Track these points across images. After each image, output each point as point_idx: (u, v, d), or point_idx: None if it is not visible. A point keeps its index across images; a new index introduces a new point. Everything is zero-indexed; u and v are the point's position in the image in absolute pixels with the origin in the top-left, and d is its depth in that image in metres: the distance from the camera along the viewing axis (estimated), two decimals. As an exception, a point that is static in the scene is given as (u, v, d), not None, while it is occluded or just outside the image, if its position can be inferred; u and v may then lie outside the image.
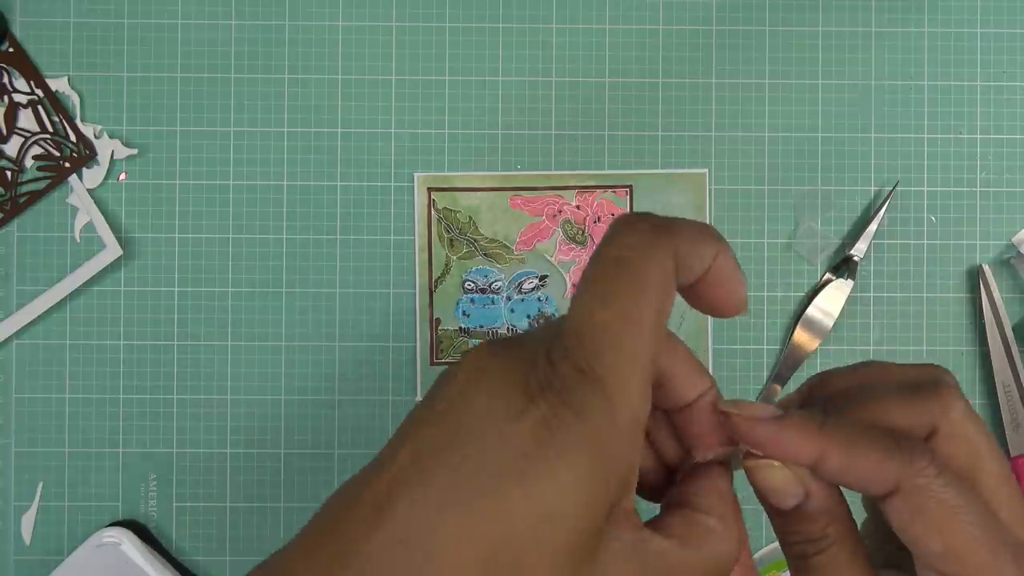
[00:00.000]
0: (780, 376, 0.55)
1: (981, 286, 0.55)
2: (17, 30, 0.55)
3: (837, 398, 0.26)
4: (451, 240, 0.55)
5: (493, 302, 0.55)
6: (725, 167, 0.55)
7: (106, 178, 0.55)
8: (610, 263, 0.23)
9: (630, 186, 0.55)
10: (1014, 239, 0.55)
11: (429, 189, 0.55)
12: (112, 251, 0.54)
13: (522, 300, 0.55)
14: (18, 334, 0.55)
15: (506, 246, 0.55)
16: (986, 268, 0.55)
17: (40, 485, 0.55)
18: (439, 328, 0.55)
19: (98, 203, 0.55)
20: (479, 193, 0.55)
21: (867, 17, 0.56)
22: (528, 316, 0.55)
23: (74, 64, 0.55)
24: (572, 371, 0.22)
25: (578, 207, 0.55)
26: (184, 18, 0.55)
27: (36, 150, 0.55)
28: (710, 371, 0.56)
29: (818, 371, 0.35)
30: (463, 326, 0.55)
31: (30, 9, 0.55)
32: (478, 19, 0.55)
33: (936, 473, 0.23)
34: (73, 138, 0.54)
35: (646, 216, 0.23)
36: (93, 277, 0.54)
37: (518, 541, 0.20)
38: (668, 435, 0.27)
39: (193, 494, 0.55)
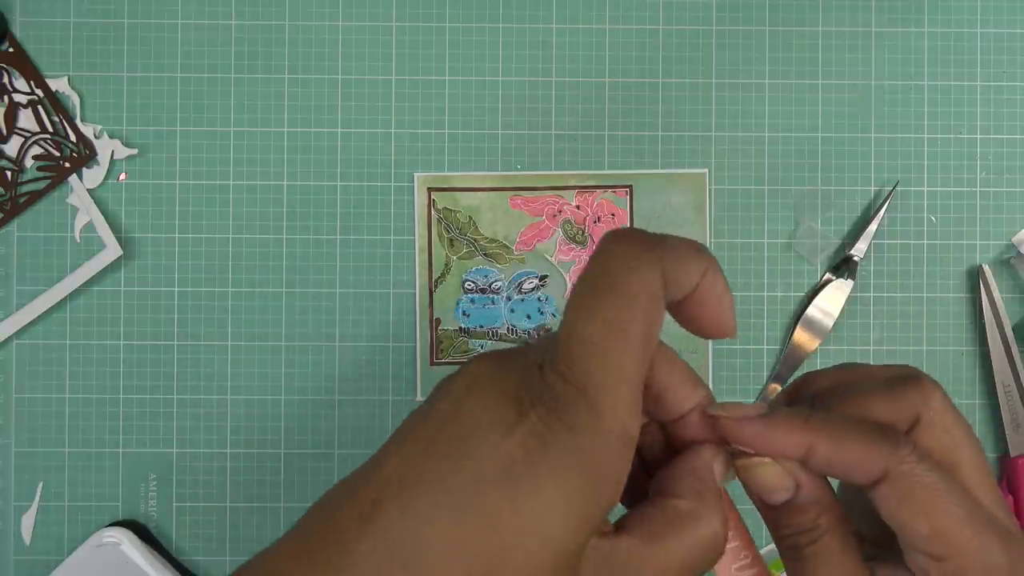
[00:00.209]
0: (780, 376, 0.55)
1: (981, 286, 0.55)
2: (17, 30, 0.55)
3: (822, 396, 0.27)
4: (451, 240, 0.55)
5: (493, 302, 0.55)
6: (725, 167, 0.55)
7: (106, 178, 0.55)
8: (596, 277, 0.23)
9: (630, 186, 0.55)
10: (1014, 239, 0.55)
11: (429, 189, 0.55)
12: (112, 251, 0.54)
13: (522, 300, 0.55)
14: (18, 334, 0.55)
15: (506, 246, 0.55)
16: (986, 268, 0.55)
17: (40, 485, 0.55)
18: (439, 328, 0.55)
19: (98, 203, 0.55)
20: (479, 193, 0.55)
21: (867, 17, 0.56)
22: (528, 316, 0.55)
23: (74, 64, 0.55)
24: (560, 383, 0.22)
25: (578, 207, 0.55)
26: (184, 18, 0.55)
27: (36, 150, 0.55)
28: (710, 371, 0.56)
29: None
30: (463, 326, 0.55)
31: (30, 9, 0.55)
32: (478, 19, 0.55)
33: (919, 459, 0.24)
34: (73, 138, 0.54)
35: (635, 231, 0.24)
36: (93, 277, 0.54)
37: (505, 553, 0.21)
38: (656, 441, 0.27)
39: (193, 494, 0.55)
